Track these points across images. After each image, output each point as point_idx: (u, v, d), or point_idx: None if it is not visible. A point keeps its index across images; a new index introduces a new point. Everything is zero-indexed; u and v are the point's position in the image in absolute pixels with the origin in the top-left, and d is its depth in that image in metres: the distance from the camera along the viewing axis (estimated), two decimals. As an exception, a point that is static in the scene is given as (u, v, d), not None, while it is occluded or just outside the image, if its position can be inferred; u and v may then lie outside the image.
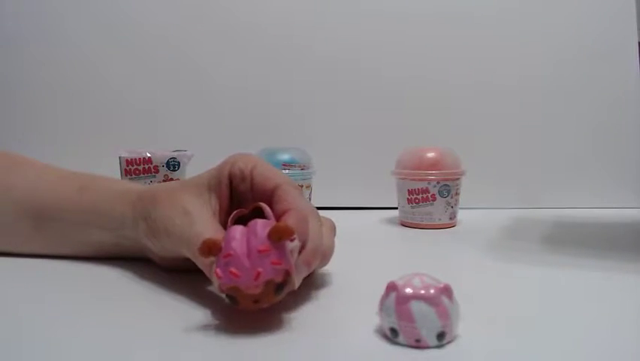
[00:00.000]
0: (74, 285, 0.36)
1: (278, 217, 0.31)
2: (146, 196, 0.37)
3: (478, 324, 0.27)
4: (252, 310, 0.27)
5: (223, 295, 0.27)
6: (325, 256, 0.33)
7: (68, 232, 0.41)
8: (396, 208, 0.62)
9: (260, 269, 0.25)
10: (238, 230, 0.27)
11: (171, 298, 0.33)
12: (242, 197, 0.35)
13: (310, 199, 0.63)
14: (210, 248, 0.26)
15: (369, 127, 0.76)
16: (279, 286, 0.26)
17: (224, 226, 0.33)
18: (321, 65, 0.77)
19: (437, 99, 0.76)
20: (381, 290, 0.26)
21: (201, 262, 0.30)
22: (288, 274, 0.26)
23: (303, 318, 0.29)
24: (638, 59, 0.75)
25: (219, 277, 0.26)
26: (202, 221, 0.32)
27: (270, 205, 0.32)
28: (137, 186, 0.40)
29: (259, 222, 0.27)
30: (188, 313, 0.30)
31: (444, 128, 0.75)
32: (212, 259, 0.27)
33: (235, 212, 0.33)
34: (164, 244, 0.35)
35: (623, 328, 0.28)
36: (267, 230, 0.26)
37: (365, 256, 0.43)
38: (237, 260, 0.26)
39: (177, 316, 0.29)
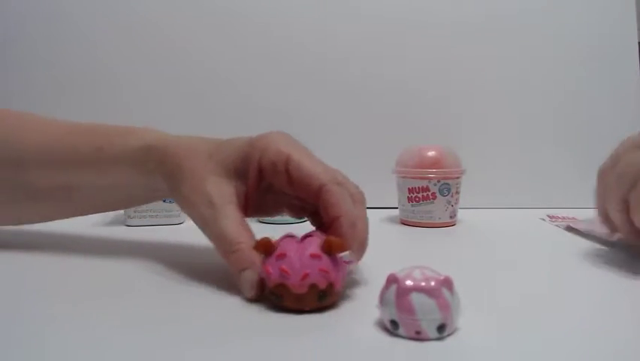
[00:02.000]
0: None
1: (329, 223, 0.32)
2: (171, 163, 0.36)
3: (478, 317, 0.27)
4: (293, 310, 0.28)
5: (266, 294, 0.29)
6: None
7: (94, 193, 0.41)
8: (396, 207, 0.62)
9: (308, 271, 0.28)
10: (293, 238, 0.30)
11: (174, 298, 0.33)
12: (277, 186, 0.34)
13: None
14: (266, 247, 0.29)
15: (370, 126, 0.76)
16: (322, 293, 0.28)
17: (251, 209, 0.35)
18: (321, 65, 0.77)
19: (437, 99, 0.76)
20: (382, 284, 0.26)
21: (231, 262, 0.31)
22: (332, 285, 0.28)
23: (304, 311, 0.29)
24: (638, 59, 0.76)
25: (270, 274, 0.28)
26: (226, 217, 0.32)
27: (318, 204, 0.33)
28: (156, 142, 0.37)
29: (315, 236, 0.30)
30: (188, 311, 0.30)
31: (444, 127, 0.75)
32: (244, 266, 0.30)
33: (287, 233, 0.32)
34: (192, 220, 0.34)
35: (623, 326, 0.28)
36: (320, 242, 0.29)
37: (366, 253, 0.43)
38: (289, 260, 0.28)
39: (178, 314, 0.29)
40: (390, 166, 0.61)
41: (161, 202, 0.57)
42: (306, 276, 0.27)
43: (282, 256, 0.28)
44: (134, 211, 0.57)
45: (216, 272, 0.36)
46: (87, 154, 0.39)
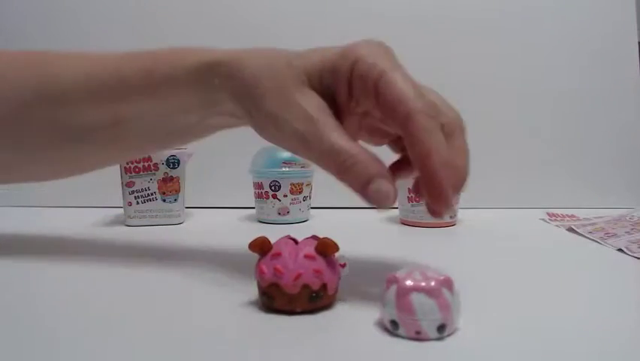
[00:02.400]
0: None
1: (416, 162, 0.28)
2: (243, 77, 0.31)
3: (478, 317, 0.27)
4: (285, 311, 0.28)
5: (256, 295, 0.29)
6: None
7: (145, 127, 0.35)
8: (396, 208, 0.62)
9: (301, 271, 0.27)
10: (290, 240, 0.30)
11: (174, 298, 0.33)
12: (365, 108, 0.30)
13: (310, 198, 0.63)
14: (262, 246, 0.29)
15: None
16: (315, 295, 0.28)
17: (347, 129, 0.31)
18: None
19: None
20: (382, 284, 0.26)
21: (353, 176, 0.28)
22: (325, 286, 0.28)
23: (304, 312, 0.29)
24: (638, 59, 0.76)
25: (263, 273, 0.28)
26: (333, 128, 0.28)
27: (406, 132, 0.27)
28: (222, 56, 0.33)
29: (310, 237, 0.30)
30: (188, 312, 0.30)
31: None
32: (372, 174, 0.27)
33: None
34: (278, 142, 0.31)
35: (623, 326, 0.28)
36: (314, 244, 0.29)
37: (365, 253, 0.43)
38: (284, 260, 0.28)
39: (178, 314, 0.29)
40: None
41: (161, 202, 0.57)
42: (298, 276, 0.27)
43: (277, 255, 0.28)
44: (134, 211, 0.57)
45: (216, 272, 0.36)
46: (135, 79, 0.34)
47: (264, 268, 0.28)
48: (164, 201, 0.58)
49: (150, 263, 0.40)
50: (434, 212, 0.29)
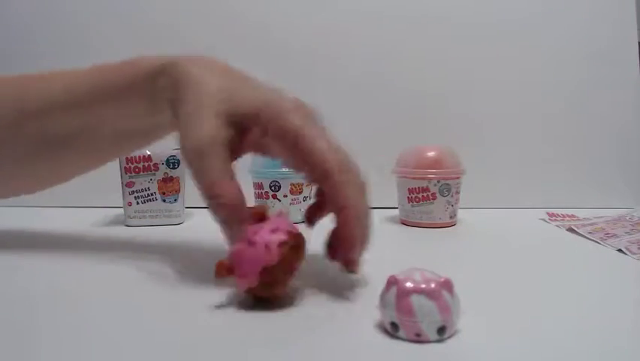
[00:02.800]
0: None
1: (334, 211, 0.32)
2: (178, 79, 0.33)
3: (478, 319, 0.27)
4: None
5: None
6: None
7: (113, 132, 0.40)
8: (396, 208, 0.62)
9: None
10: (279, 218, 0.31)
11: (174, 299, 0.33)
12: (281, 152, 0.33)
13: (310, 198, 0.63)
14: (227, 271, 0.29)
15: (370, 126, 0.76)
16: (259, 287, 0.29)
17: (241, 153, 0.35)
18: (321, 65, 0.77)
19: (437, 99, 0.76)
20: (382, 286, 0.26)
21: (216, 214, 0.31)
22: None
23: (304, 313, 0.29)
24: (638, 59, 0.76)
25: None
26: (213, 166, 0.30)
27: (324, 187, 0.32)
28: (171, 58, 0.35)
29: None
30: (188, 313, 0.30)
31: (444, 127, 0.75)
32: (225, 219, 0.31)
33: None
34: (180, 149, 0.33)
35: (624, 326, 0.28)
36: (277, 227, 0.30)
37: (365, 254, 0.43)
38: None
39: (178, 315, 0.29)
40: (390, 166, 0.61)
41: (161, 202, 0.57)
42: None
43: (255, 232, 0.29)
44: (134, 211, 0.57)
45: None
46: (96, 90, 0.38)
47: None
48: (164, 201, 0.58)
49: (150, 263, 0.40)
50: (348, 262, 0.33)
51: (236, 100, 0.32)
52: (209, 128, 0.31)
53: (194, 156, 0.31)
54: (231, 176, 0.31)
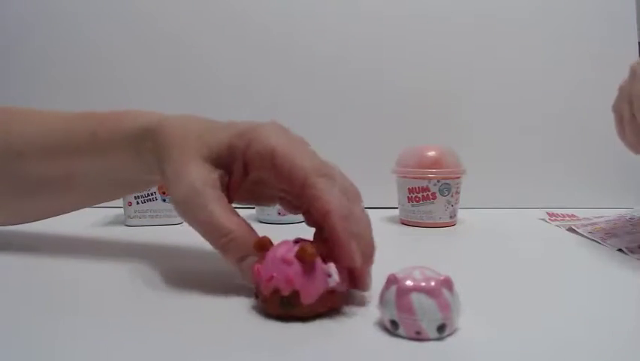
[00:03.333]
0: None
1: (320, 221, 0.29)
2: (160, 144, 0.34)
3: (478, 317, 0.27)
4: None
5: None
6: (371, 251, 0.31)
7: (93, 181, 0.40)
8: (396, 208, 0.62)
9: (274, 274, 0.27)
10: (289, 242, 0.29)
11: (173, 299, 0.33)
12: (267, 180, 0.33)
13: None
14: (261, 246, 0.29)
15: (370, 126, 0.76)
16: (286, 300, 0.27)
17: (238, 196, 0.34)
18: (321, 65, 0.77)
19: (438, 99, 0.76)
20: (382, 284, 0.26)
21: (226, 252, 0.30)
22: (297, 294, 0.26)
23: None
24: (638, 59, 0.76)
25: (253, 273, 0.28)
26: (212, 201, 0.30)
27: (304, 198, 0.30)
28: (149, 122, 0.36)
29: (305, 240, 0.29)
30: (188, 313, 0.30)
31: (444, 127, 0.75)
32: (242, 254, 0.30)
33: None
34: (173, 205, 0.33)
35: (624, 326, 0.28)
36: (295, 247, 0.28)
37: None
38: (266, 261, 0.28)
39: (178, 315, 0.29)
40: (390, 166, 0.61)
41: (161, 202, 0.57)
42: (270, 279, 0.27)
43: (265, 257, 0.28)
44: (134, 211, 0.57)
45: (216, 273, 0.36)
46: (82, 140, 0.38)
47: (255, 268, 0.28)
48: (164, 201, 0.58)
49: (150, 263, 0.40)
50: (354, 277, 0.30)
51: (213, 140, 0.33)
52: (197, 172, 0.31)
53: (189, 203, 0.31)
54: (232, 210, 0.31)
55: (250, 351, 0.24)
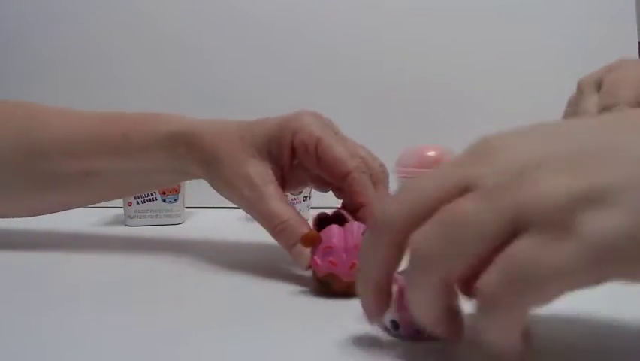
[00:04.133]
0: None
1: (355, 208, 0.34)
2: (204, 148, 0.37)
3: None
4: (342, 295, 0.30)
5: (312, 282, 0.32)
6: None
7: (118, 179, 0.42)
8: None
9: (355, 261, 0.29)
10: (336, 229, 0.31)
11: (173, 299, 0.33)
12: (306, 165, 0.36)
13: (310, 198, 0.63)
14: (313, 240, 0.31)
15: (370, 126, 0.76)
16: None
17: (287, 186, 0.38)
18: (321, 63, 0.77)
19: (438, 98, 0.76)
20: (382, 284, 0.26)
21: (282, 238, 0.34)
22: None
23: (303, 312, 0.29)
24: (638, 59, 0.76)
25: (317, 265, 0.30)
26: (271, 196, 0.34)
27: (343, 188, 0.35)
28: (184, 127, 0.39)
29: (355, 224, 0.31)
30: (188, 313, 0.30)
31: (444, 127, 0.75)
32: (295, 240, 0.33)
33: (319, 214, 0.35)
34: (232, 201, 0.37)
35: (623, 325, 0.28)
36: (361, 231, 0.30)
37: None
38: (336, 252, 0.30)
39: (178, 315, 0.29)
40: (390, 166, 0.61)
41: (161, 202, 0.57)
42: (353, 266, 0.29)
43: (329, 248, 0.30)
44: (134, 211, 0.57)
45: (216, 273, 0.36)
46: (112, 142, 0.40)
47: (318, 261, 0.30)
48: (164, 201, 0.58)
49: (150, 263, 0.40)
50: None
51: (256, 139, 0.36)
52: (253, 170, 0.35)
53: (251, 198, 0.35)
54: (287, 201, 0.35)
55: (246, 350, 0.24)
